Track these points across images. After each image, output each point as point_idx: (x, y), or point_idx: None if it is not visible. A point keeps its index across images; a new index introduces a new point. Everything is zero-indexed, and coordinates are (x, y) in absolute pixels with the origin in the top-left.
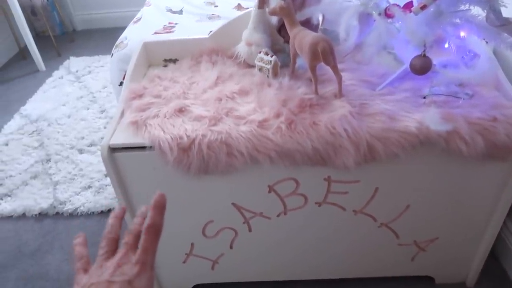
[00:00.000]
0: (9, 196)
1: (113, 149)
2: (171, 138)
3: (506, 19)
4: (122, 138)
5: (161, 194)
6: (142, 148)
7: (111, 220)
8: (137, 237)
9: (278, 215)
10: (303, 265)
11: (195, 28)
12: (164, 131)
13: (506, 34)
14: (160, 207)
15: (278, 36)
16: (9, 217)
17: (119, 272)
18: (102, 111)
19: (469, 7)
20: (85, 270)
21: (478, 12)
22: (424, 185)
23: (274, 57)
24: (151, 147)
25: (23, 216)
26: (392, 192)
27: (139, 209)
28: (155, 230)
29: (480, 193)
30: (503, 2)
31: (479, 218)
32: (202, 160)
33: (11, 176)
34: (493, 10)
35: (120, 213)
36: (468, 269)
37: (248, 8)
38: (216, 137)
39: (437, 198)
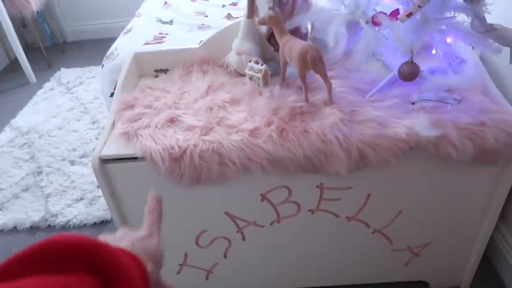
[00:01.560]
0: (0, 209)
1: (105, 161)
2: (163, 148)
3: (491, 25)
4: (114, 149)
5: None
6: (134, 159)
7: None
8: None
9: (271, 223)
10: (297, 273)
11: (185, 38)
12: (155, 142)
13: (491, 40)
14: (156, 197)
15: (268, 45)
16: (0, 231)
17: (129, 233)
18: (94, 122)
19: (454, 14)
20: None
21: (463, 18)
22: (416, 190)
23: (264, 65)
24: (142, 157)
25: (14, 229)
26: (384, 198)
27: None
28: (156, 199)
29: (471, 197)
30: (487, 9)
31: (471, 222)
32: (194, 170)
33: (1, 189)
34: (478, 16)
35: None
36: (462, 273)
37: (237, 17)
38: (208, 147)
39: (429, 203)
